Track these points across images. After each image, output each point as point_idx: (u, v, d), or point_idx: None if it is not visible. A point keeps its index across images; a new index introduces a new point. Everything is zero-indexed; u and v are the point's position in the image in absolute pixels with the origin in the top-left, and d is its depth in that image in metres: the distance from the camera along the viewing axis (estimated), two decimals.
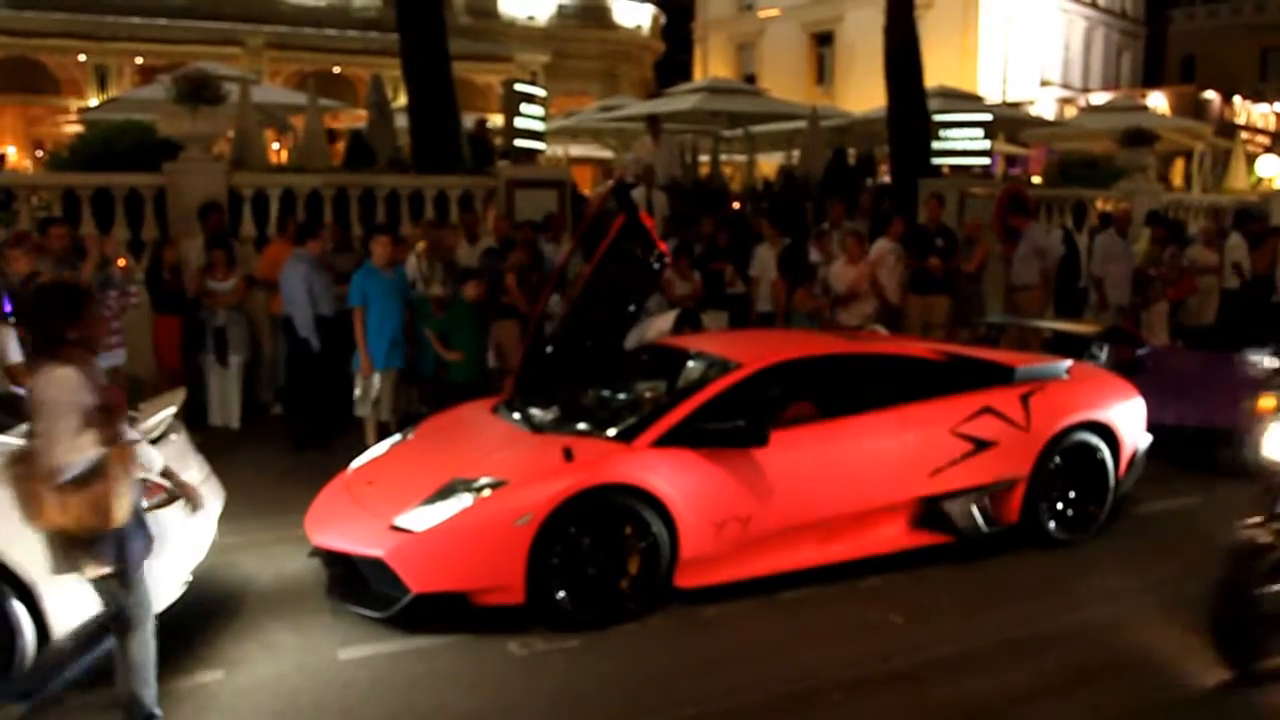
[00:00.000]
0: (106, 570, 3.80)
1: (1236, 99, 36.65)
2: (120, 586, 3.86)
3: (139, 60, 26.04)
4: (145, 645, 3.96)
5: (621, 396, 6.43)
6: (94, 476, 3.67)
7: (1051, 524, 6.31)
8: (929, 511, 6.04)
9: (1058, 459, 6.30)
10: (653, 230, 6.55)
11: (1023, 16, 36.88)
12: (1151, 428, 6.86)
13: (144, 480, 4.59)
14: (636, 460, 5.28)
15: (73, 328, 3.76)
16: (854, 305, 9.70)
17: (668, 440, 5.39)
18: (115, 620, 3.93)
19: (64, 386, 3.62)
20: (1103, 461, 6.46)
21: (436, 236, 9.37)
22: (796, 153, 18.73)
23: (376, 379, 8.02)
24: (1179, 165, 29.37)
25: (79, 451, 3.64)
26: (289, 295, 8.45)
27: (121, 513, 3.74)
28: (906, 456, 5.93)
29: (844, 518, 5.73)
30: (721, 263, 10.59)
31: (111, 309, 7.92)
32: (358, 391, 8.10)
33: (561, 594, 5.02)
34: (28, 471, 3.67)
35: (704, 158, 18.77)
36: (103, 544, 3.75)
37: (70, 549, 3.76)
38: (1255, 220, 13.62)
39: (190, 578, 4.80)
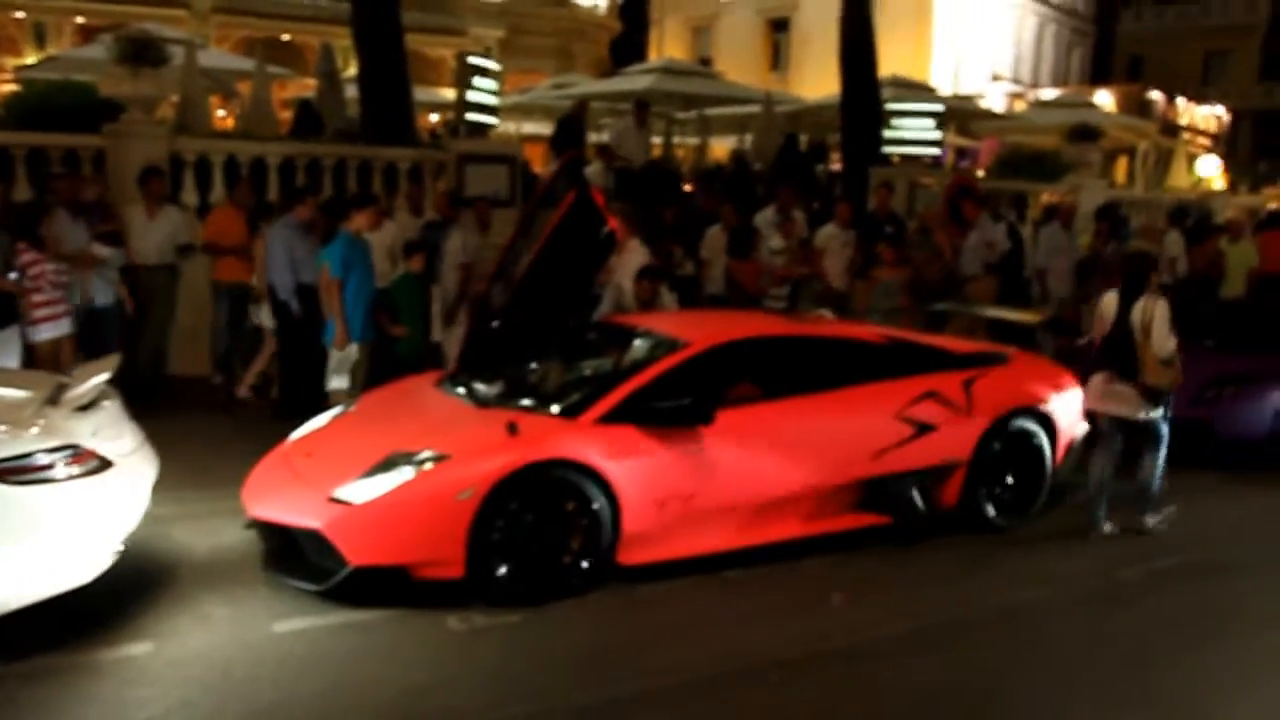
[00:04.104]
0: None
1: (1180, 100, 37.42)
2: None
3: (79, 19, 25.27)
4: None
5: (567, 373, 6.40)
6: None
7: (989, 508, 6.41)
8: (870, 493, 6.10)
9: (997, 445, 6.39)
10: (604, 207, 6.51)
11: (976, 11, 37.20)
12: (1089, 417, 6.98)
13: (74, 447, 4.50)
14: (581, 436, 5.26)
15: None
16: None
17: (613, 417, 5.37)
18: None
19: None
20: (1040, 448, 6.57)
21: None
22: (749, 137, 18.75)
23: (353, 350, 7.66)
24: (1123, 162, 29.92)
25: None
26: (270, 260, 8.35)
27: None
28: (849, 438, 5.99)
29: (787, 497, 5.76)
30: (670, 243, 10.56)
31: (55, 279, 7.73)
32: (332, 364, 7.67)
33: (502, 569, 4.98)
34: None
35: (657, 139, 18.69)
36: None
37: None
38: (1190, 217, 13.88)
39: (123, 547, 4.67)
